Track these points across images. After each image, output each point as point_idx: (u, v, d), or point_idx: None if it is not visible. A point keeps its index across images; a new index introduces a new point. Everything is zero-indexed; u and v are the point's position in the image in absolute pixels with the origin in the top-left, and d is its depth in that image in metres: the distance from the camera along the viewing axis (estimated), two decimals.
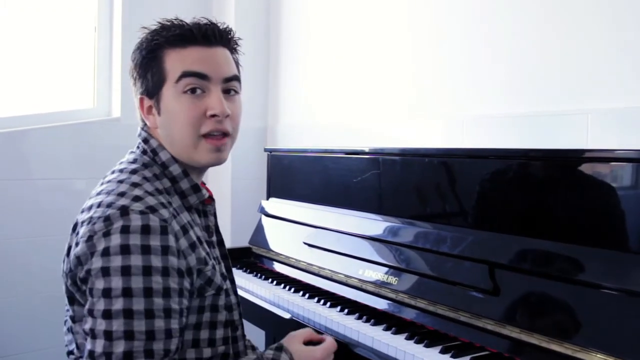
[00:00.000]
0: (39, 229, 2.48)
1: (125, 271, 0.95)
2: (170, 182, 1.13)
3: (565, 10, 1.64)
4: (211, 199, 1.21)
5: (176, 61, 1.10)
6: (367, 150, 1.81)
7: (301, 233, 1.93)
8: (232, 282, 1.25)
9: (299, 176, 2.15)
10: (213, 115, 1.10)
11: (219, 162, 1.15)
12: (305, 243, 1.89)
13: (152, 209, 1.00)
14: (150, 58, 1.12)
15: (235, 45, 1.21)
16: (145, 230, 0.97)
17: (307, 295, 1.67)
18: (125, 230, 0.96)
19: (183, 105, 1.10)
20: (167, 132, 1.13)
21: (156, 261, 0.97)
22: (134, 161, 1.14)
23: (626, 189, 1.17)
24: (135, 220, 0.97)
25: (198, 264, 1.07)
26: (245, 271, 2.02)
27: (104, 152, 2.59)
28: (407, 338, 1.31)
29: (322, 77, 2.59)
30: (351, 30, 2.43)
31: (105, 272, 0.95)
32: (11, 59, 2.59)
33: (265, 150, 2.33)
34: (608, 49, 1.54)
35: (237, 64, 1.21)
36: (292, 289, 1.74)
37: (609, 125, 1.53)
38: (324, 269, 1.76)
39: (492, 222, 1.41)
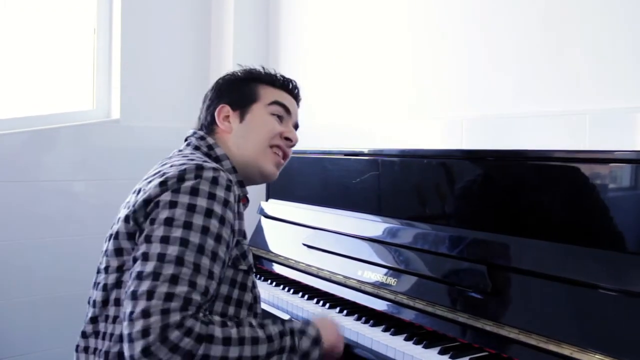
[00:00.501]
0: (39, 230, 2.48)
1: (191, 207, 1.06)
2: None
3: (564, 11, 1.64)
4: (247, 199, 1.33)
5: (269, 92, 1.36)
6: (366, 151, 1.81)
7: (300, 234, 1.94)
8: None
9: (298, 177, 2.15)
10: (287, 138, 1.36)
11: (273, 175, 1.35)
12: (304, 244, 1.89)
13: (222, 171, 1.13)
14: (247, 82, 1.37)
15: (298, 107, 1.47)
16: (215, 181, 1.10)
17: (306, 296, 1.68)
18: (198, 177, 1.09)
19: (269, 122, 1.34)
20: (244, 136, 1.31)
21: (218, 208, 1.08)
22: (190, 154, 1.24)
23: (624, 190, 1.18)
24: (208, 172, 1.10)
25: (239, 234, 1.19)
26: None
27: (103, 153, 2.59)
28: (406, 339, 1.32)
29: (321, 78, 2.59)
30: (351, 31, 2.44)
31: (173, 204, 1.06)
32: (11, 60, 2.59)
33: None
34: (607, 49, 1.54)
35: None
36: (291, 290, 1.74)
37: (607, 126, 1.53)
38: (323, 270, 1.76)
39: (491, 223, 1.41)
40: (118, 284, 1.11)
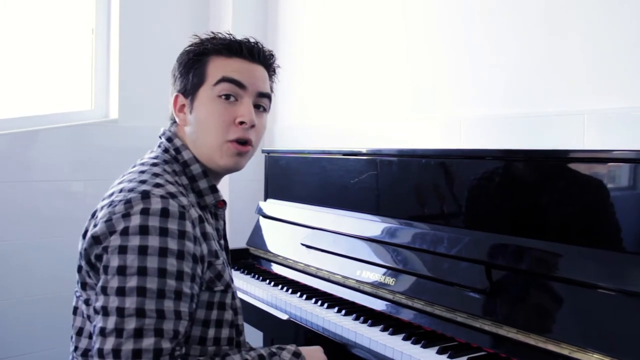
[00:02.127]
0: (37, 230, 2.48)
1: (142, 250, 0.97)
2: (188, 180, 1.17)
3: (562, 11, 1.64)
4: (224, 202, 1.24)
5: (219, 67, 1.17)
6: (364, 151, 1.81)
7: (299, 234, 1.94)
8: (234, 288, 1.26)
9: (296, 177, 2.15)
10: (241, 123, 1.16)
11: (237, 167, 1.20)
12: (302, 244, 1.89)
13: (172, 195, 1.04)
14: (196, 60, 1.19)
15: (274, 72, 1.28)
16: (165, 213, 1.01)
17: (304, 296, 1.67)
18: (145, 212, 1.00)
19: (215, 109, 1.16)
20: (195, 131, 1.18)
21: (172, 244, 1.00)
22: (155, 158, 1.18)
23: (623, 190, 1.18)
24: (156, 204, 1.01)
25: (209, 255, 1.11)
26: (243, 272, 2.02)
27: (101, 154, 2.59)
28: (404, 339, 1.31)
29: (319, 79, 2.59)
30: (348, 31, 2.44)
31: (123, 250, 0.98)
32: (9, 61, 2.58)
33: (263, 151, 2.33)
34: (605, 49, 1.54)
35: (270, 88, 1.28)
36: (290, 290, 1.74)
37: (606, 126, 1.53)
38: (321, 270, 1.76)
39: (489, 222, 1.41)
40: (88, 317, 1.08)
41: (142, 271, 0.97)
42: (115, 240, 0.99)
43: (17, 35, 2.60)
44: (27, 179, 2.47)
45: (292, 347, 1.15)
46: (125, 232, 0.98)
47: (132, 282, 0.96)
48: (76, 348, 1.13)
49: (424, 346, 1.26)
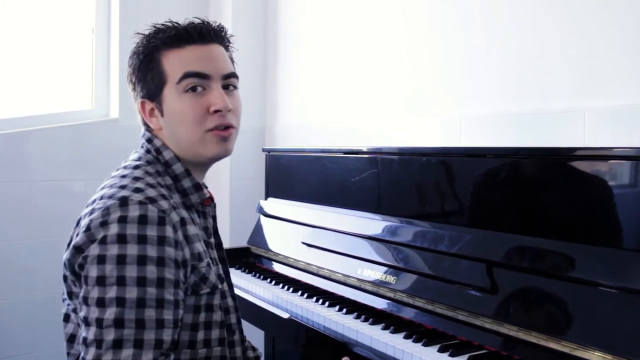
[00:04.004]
0: (38, 230, 2.48)
1: (120, 260, 0.96)
2: (172, 180, 1.15)
3: (562, 8, 1.64)
4: (211, 199, 1.22)
5: (175, 62, 1.12)
6: (365, 149, 1.81)
7: (300, 233, 1.94)
8: (230, 286, 1.25)
9: (297, 176, 2.15)
10: (216, 111, 1.12)
11: (226, 152, 1.17)
12: (303, 243, 1.89)
13: (152, 200, 1.02)
14: (148, 61, 1.14)
15: (229, 43, 1.23)
16: (143, 220, 0.99)
17: (305, 294, 1.68)
18: (122, 220, 0.98)
19: (186, 104, 1.12)
20: (172, 131, 1.15)
21: (152, 251, 0.98)
22: (138, 159, 1.16)
23: (623, 187, 1.17)
24: (133, 211, 0.99)
25: (192, 259, 1.08)
26: (244, 271, 2.02)
27: (102, 153, 2.59)
28: (406, 337, 1.31)
29: (319, 77, 2.59)
30: (348, 29, 2.43)
31: (101, 259, 0.96)
32: (9, 60, 2.58)
33: (264, 150, 2.33)
34: (604, 47, 1.54)
35: (232, 60, 1.22)
36: (291, 289, 1.74)
37: (606, 123, 1.53)
38: (322, 268, 1.76)
39: (490, 220, 1.41)
40: (79, 324, 1.07)
41: (120, 281, 0.95)
42: (94, 250, 0.97)
43: (18, 35, 2.60)
44: (27, 179, 2.47)
45: None
46: (103, 242, 0.97)
47: (111, 292, 0.95)
48: (68, 354, 1.13)
49: (425, 344, 1.26)
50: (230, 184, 2.75)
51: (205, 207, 1.21)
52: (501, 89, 1.81)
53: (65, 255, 1.04)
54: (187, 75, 1.11)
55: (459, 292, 1.35)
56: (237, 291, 1.79)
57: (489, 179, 1.43)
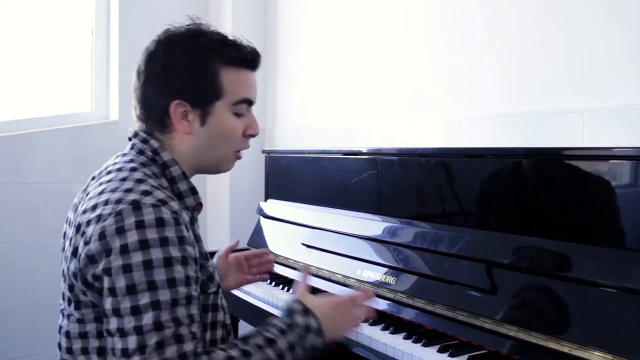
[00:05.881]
0: (37, 232, 2.48)
1: (147, 265, 0.96)
2: (168, 182, 1.14)
3: (562, 9, 1.64)
4: (201, 205, 1.22)
5: (235, 84, 1.16)
6: (364, 150, 1.81)
7: (299, 234, 1.93)
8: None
9: (297, 177, 2.15)
10: (251, 135, 1.21)
11: (228, 170, 1.25)
12: (303, 244, 1.89)
13: (163, 202, 1.02)
14: (203, 68, 1.13)
15: None
16: (160, 222, 0.99)
17: None
18: (140, 225, 0.98)
19: (234, 124, 1.17)
20: (208, 142, 1.16)
21: (175, 252, 0.99)
22: (131, 161, 1.13)
23: (623, 187, 1.17)
24: (148, 214, 0.99)
25: (201, 257, 1.10)
26: None
27: (102, 155, 2.55)
28: (405, 337, 1.31)
29: (319, 78, 2.59)
30: (348, 30, 2.44)
31: (127, 269, 0.96)
32: (9, 62, 2.59)
33: (263, 151, 2.33)
34: (604, 47, 1.54)
35: None
36: (290, 290, 1.74)
37: (605, 123, 1.53)
38: (322, 269, 1.76)
39: (490, 221, 1.41)
40: (82, 334, 1.06)
41: (152, 285, 0.96)
42: (116, 261, 0.96)
43: (17, 37, 2.60)
44: (28, 181, 2.47)
45: (303, 322, 1.09)
46: (125, 250, 0.96)
47: (144, 299, 0.95)
48: None
49: (425, 345, 1.26)
50: (230, 185, 2.75)
51: (194, 211, 1.20)
52: (501, 90, 1.81)
53: (74, 264, 1.02)
54: (245, 101, 1.17)
55: (459, 292, 1.35)
56: (236, 292, 1.80)
57: (489, 180, 1.43)
